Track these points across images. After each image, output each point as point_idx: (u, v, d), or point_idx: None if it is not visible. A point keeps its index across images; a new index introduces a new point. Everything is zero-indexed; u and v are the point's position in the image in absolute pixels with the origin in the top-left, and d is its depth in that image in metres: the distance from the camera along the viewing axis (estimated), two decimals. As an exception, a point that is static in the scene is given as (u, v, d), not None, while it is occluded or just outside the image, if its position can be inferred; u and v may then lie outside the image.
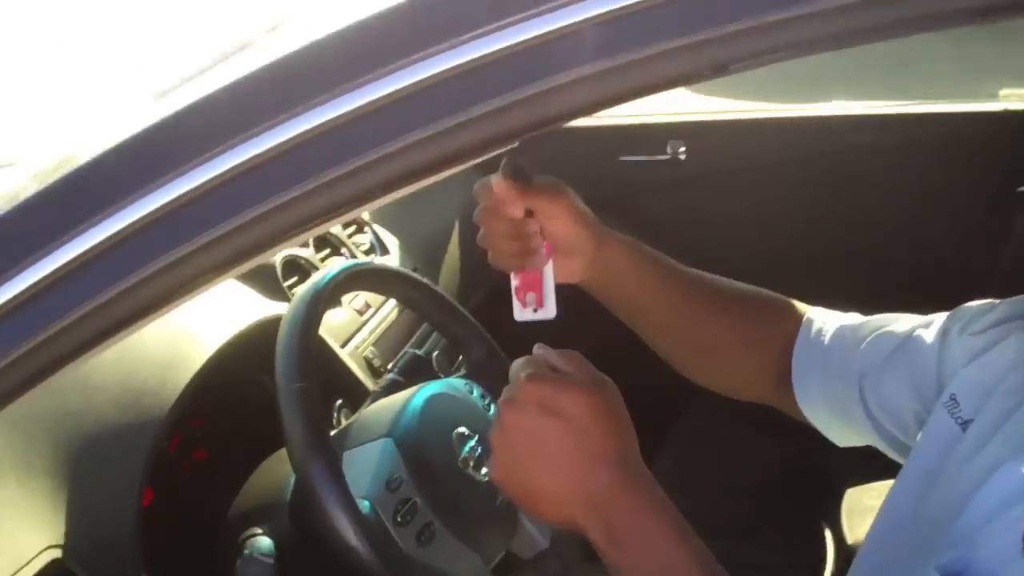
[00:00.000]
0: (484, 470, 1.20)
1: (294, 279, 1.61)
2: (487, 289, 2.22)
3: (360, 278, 1.28)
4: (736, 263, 2.40)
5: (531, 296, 1.13)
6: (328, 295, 1.18)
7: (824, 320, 1.15)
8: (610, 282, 1.15)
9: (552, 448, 0.83)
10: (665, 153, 2.36)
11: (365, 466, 1.14)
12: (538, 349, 0.90)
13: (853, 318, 1.15)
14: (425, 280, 1.35)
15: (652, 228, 2.44)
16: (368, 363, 1.59)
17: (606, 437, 0.83)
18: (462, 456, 1.18)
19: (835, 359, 1.11)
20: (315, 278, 1.20)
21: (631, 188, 2.43)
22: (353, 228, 1.85)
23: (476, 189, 1.09)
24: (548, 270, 1.12)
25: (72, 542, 1.07)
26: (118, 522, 1.11)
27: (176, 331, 1.32)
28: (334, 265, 1.25)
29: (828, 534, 1.46)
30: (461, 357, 1.42)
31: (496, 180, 1.06)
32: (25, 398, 1.16)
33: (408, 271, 1.36)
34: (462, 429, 1.21)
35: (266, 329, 1.41)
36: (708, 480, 1.87)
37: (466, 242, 2.16)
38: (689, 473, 1.91)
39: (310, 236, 0.84)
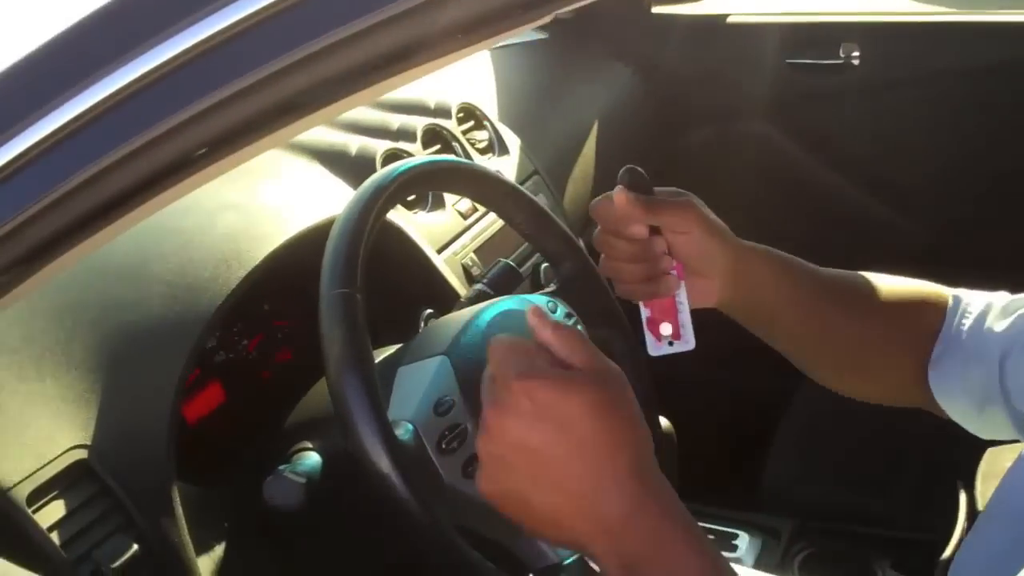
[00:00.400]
0: None
1: (396, 175, 1.51)
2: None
3: (435, 177, 1.15)
4: (906, 184, 2.19)
5: (666, 327, 1.04)
6: (393, 193, 1.06)
7: (967, 304, 1.00)
8: (748, 298, 1.04)
9: (551, 463, 0.69)
10: (837, 57, 2.13)
11: (416, 385, 1.03)
12: (532, 317, 0.74)
13: (998, 299, 0.99)
14: (512, 182, 1.22)
15: (817, 138, 2.24)
16: (466, 271, 1.47)
17: (616, 448, 0.69)
18: (528, 382, 1.06)
19: (974, 346, 0.97)
20: (380, 172, 1.07)
21: (796, 94, 2.23)
22: (471, 123, 1.73)
23: (592, 208, 1.01)
24: (682, 295, 1.02)
25: (99, 443, 1.01)
26: (149, 425, 1.04)
27: (244, 224, 1.24)
28: (407, 160, 1.13)
29: (962, 495, 1.30)
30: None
31: (616, 195, 0.97)
32: (77, 283, 1.11)
33: (492, 170, 1.22)
34: None
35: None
36: (843, 429, 1.72)
37: (603, 147, 2.01)
38: (825, 421, 1.76)
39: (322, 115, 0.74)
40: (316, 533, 1.08)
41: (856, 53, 2.11)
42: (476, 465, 0.99)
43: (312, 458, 1.07)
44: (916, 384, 1.01)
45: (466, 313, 1.11)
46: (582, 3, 0.74)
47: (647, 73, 2.25)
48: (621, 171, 1.00)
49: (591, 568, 1.05)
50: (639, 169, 1.00)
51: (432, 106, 1.69)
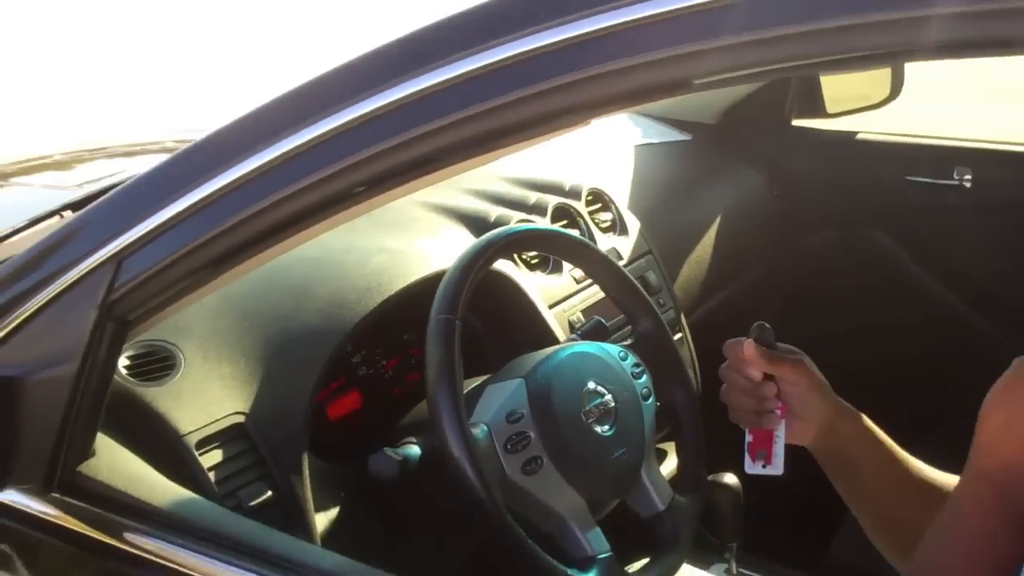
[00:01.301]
0: (606, 426, 1.32)
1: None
2: (731, 292, 2.29)
3: (536, 241, 1.44)
4: (1012, 302, 2.32)
5: (761, 453, 1.26)
6: (500, 248, 1.33)
7: None
8: (836, 450, 1.23)
9: None
10: (951, 178, 2.32)
11: (496, 398, 1.30)
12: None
13: None
14: (602, 252, 1.49)
15: (930, 250, 2.41)
16: (571, 325, 1.74)
17: None
18: (587, 408, 1.31)
19: None
20: (494, 231, 1.36)
21: (914, 207, 2.41)
22: (598, 206, 2.00)
23: (725, 347, 1.25)
24: (780, 431, 1.25)
25: (255, 413, 1.32)
26: (293, 406, 1.34)
27: (392, 263, 1.55)
28: (517, 225, 1.42)
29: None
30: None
31: (745, 345, 1.22)
32: (254, 296, 1.43)
33: (587, 241, 1.50)
34: (595, 386, 1.33)
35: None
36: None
37: (723, 239, 2.25)
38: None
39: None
40: (404, 502, 1.35)
41: (968, 176, 2.28)
42: (535, 465, 1.26)
43: (413, 448, 1.33)
44: None
45: (548, 350, 1.39)
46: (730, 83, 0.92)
47: (776, 177, 2.48)
48: (753, 326, 1.24)
49: (620, 568, 1.29)
50: (767, 326, 1.23)
51: (566, 188, 1.97)
